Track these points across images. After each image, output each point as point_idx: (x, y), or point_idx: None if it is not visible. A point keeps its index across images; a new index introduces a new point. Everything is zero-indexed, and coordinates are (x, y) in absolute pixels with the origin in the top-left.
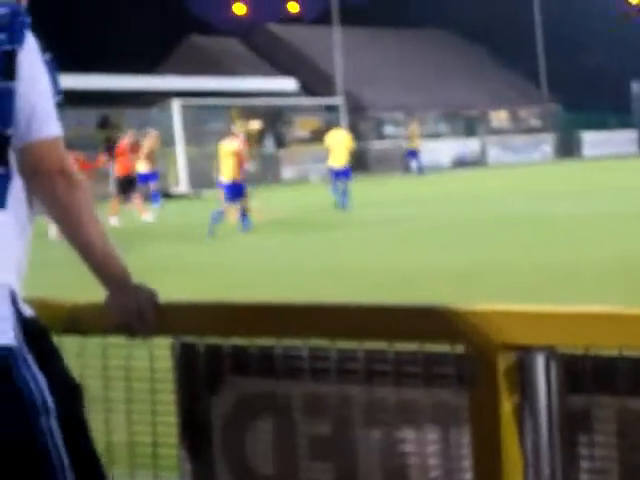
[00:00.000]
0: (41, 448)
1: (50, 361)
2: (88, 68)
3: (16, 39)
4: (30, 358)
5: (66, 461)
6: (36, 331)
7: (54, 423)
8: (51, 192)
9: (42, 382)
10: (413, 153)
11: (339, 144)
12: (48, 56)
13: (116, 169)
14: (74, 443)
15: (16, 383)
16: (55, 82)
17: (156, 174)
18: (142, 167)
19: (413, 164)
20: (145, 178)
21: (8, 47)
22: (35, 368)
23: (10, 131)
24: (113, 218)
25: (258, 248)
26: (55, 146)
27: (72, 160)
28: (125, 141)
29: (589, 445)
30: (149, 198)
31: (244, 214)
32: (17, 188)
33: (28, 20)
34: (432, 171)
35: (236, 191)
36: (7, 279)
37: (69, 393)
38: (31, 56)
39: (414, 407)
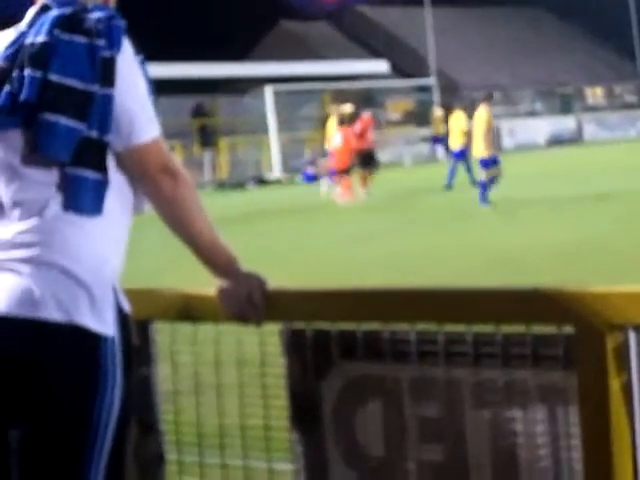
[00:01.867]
0: (90, 436)
1: (129, 364)
2: (181, 57)
3: (115, 45)
4: (119, 356)
5: (106, 451)
6: (129, 328)
7: (111, 426)
8: (157, 191)
9: (118, 383)
10: (438, 139)
11: (455, 126)
12: (141, 58)
13: (358, 144)
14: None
15: (98, 375)
16: (149, 82)
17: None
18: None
19: (439, 151)
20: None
21: (107, 54)
22: (119, 367)
23: (108, 137)
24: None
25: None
26: (156, 147)
27: (174, 156)
28: (366, 117)
29: None
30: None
31: (485, 186)
32: (113, 193)
33: (124, 24)
34: (528, 150)
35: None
36: (111, 278)
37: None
38: (128, 61)
39: (522, 388)
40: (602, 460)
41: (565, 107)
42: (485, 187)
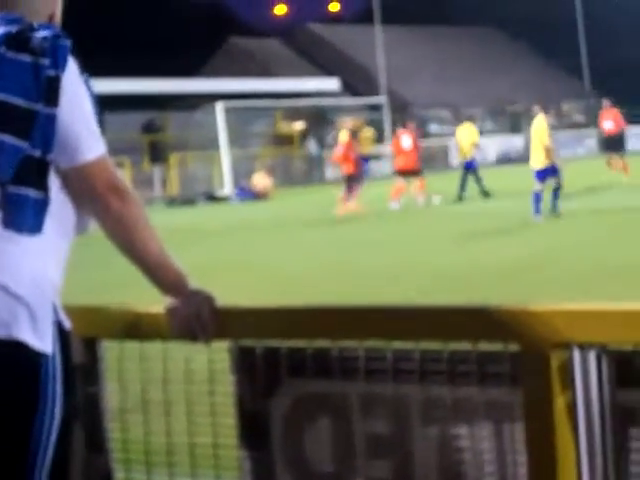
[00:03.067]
0: (30, 453)
1: (69, 380)
2: (132, 72)
3: (60, 64)
4: (59, 373)
5: (47, 468)
6: (69, 346)
7: (52, 443)
8: (104, 209)
9: (59, 400)
10: (365, 159)
11: (465, 138)
12: (85, 76)
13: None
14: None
15: (38, 391)
16: (95, 100)
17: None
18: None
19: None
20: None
21: (52, 73)
22: (60, 384)
23: (50, 157)
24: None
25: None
26: (103, 166)
27: (120, 174)
28: (408, 130)
29: None
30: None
31: (538, 197)
32: (53, 212)
33: (69, 44)
34: (479, 167)
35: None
36: (50, 295)
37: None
38: (73, 80)
39: (468, 405)
40: (547, 476)
41: (514, 126)
42: (539, 198)
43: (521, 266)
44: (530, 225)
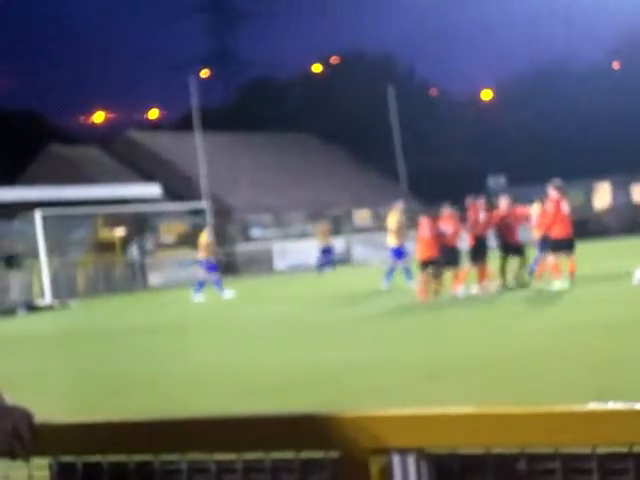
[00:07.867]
0: None
1: None
2: None
3: None
4: None
5: None
6: None
7: None
8: None
9: None
10: (328, 250)
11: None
12: None
13: (468, 237)
14: None
15: None
16: None
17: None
18: (392, 242)
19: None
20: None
21: None
22: None
23: None
24: (459, 287)
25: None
26: None
27: None
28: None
29: None
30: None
31: None
32: None
33: None
34: (300, 271)
35: None
36: None
37: None
38: None
39: None
40: None
41: (335, 229)
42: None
43: (348, 370)
44: (340, 329)
